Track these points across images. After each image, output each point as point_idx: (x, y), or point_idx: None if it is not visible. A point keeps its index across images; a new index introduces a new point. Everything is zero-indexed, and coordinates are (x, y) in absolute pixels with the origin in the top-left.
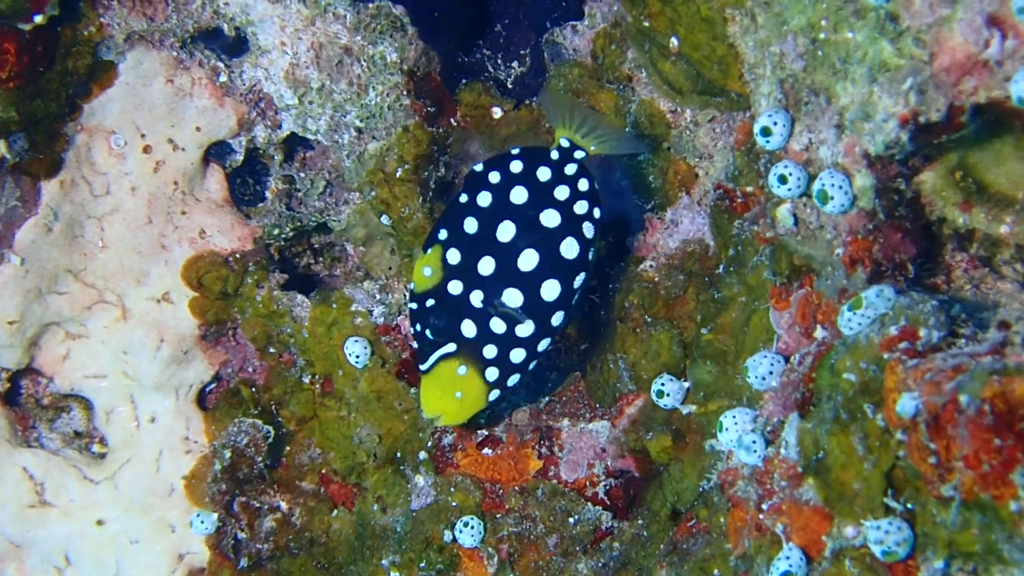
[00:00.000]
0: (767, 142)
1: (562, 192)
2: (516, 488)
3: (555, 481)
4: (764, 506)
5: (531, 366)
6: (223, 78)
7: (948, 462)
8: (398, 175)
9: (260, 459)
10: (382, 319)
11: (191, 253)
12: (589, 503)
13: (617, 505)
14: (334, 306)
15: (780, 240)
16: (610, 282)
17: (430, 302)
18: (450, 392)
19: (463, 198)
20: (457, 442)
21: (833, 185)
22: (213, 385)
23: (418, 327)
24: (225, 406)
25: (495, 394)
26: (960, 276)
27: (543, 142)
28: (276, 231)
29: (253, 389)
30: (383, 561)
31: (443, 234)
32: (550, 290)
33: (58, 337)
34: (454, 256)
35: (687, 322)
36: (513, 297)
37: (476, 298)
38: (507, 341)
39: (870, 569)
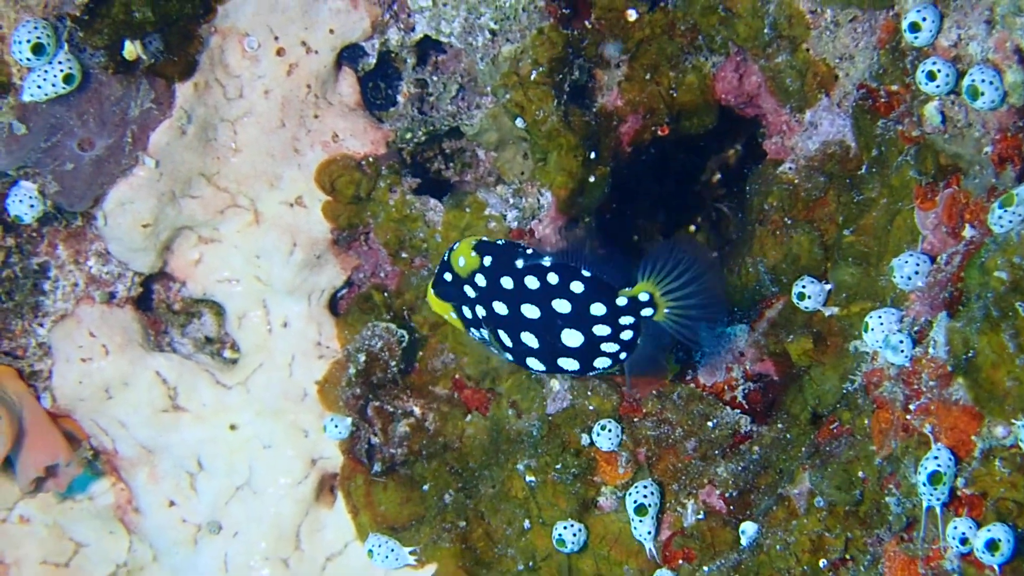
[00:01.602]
0: (915, 38)
1: (602, 331)
2: (653, 392)
3: (693, 385)
4: (911, 406)
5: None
6: None
7: None
8: (533, 77)
9: (394, 363)
10: (516, 223)
11: (324, 157)
12: (727, 407)
13: (756, 409)
14: (467, 210)
15: (927, 139)
16: (747, 185)
17: (447, 276)
18: (444, 310)
19: (519, 263)
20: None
21: (984, 80)
22: (345, 290)
23: (436, 275)
24: (357, 311)
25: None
26: None
27: (676, 48)
28: (408, 135)
29: (385, 294)
30: (518, 465)
31: (488, 260)
32: (533, 361)
33: (191, 241)
34: (480, 280)
35: (828, 224)
36: (505, 338)
37: (480, 311)
38: (486, 342)
39: (1021, 469)
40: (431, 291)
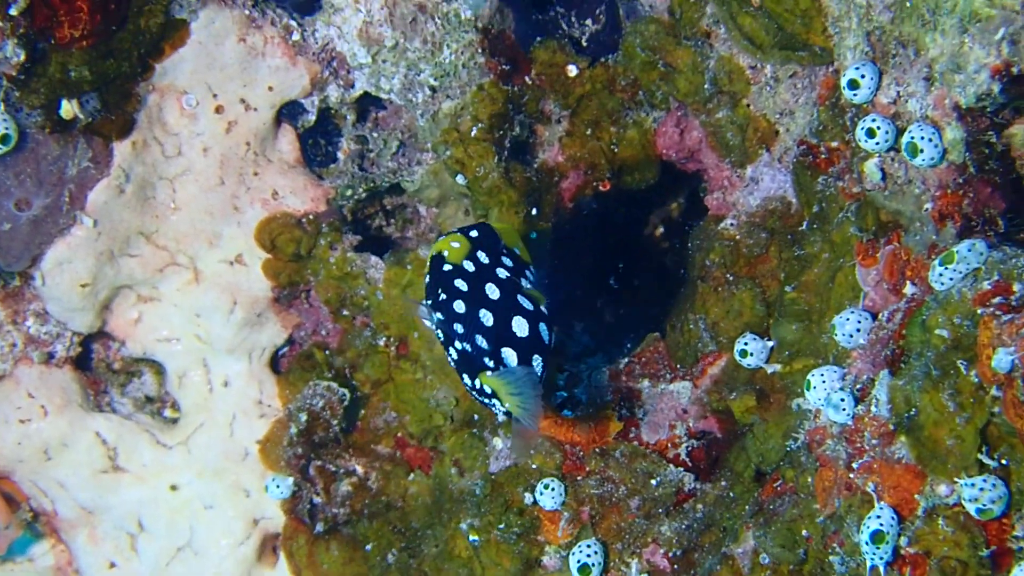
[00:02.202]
0: (854, 95)
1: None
2: (596, 450)
3: (636, 443)
4: (854, 465)
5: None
6: (296, 37)
7: None
8: (473, 134)
9: (336, 422)
10: None
11: (264, 214)
12: (671, 464)
13: (699, 466)
14: (409, 267)
15: (867, 195)
16: (689, 241)
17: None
18: None
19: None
20: None
21: (923, 138)
22: (286, 348)
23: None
24: (299, 369)
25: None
26: None
27: (617, 103)
28: (349, 192)
29: (327, 352)
30: (461, 524)
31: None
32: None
33: (130, 300)
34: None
35: (769, 280)
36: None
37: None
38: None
39: (964, 527)
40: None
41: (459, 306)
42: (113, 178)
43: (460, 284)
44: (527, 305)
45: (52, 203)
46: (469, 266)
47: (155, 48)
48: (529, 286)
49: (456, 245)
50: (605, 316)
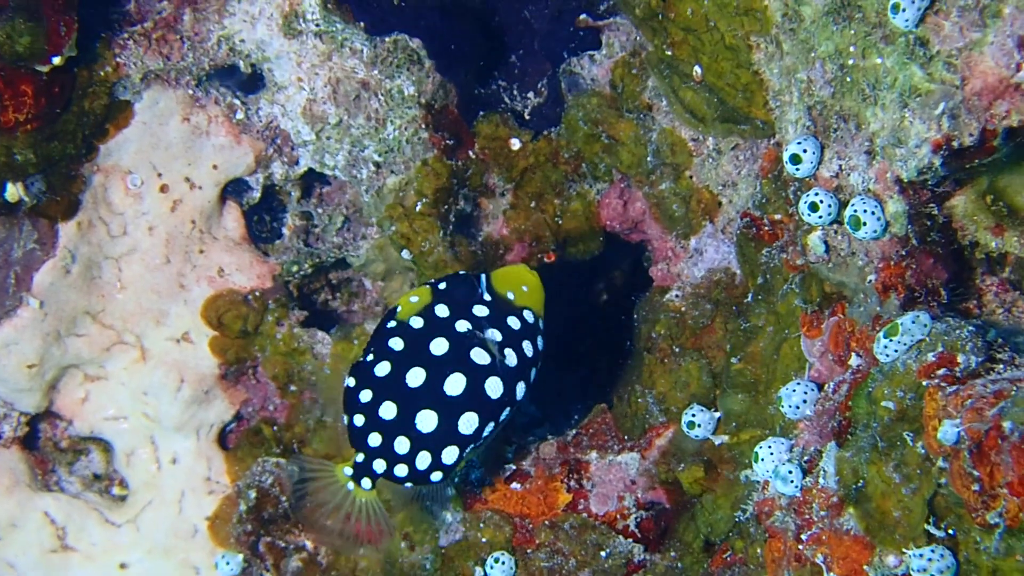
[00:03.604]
0: (796, 169)
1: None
2: (546, 522)
3: (585, 514)
4: (803, 536)
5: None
6: (239, 115)
7: (992, 489)
8: (418, 209)
9: (285, 498)
10: None
11: (210, 292)
12: (620, 536)
13: (649, 537)
14: (355, 342)
15: (811, 268)
16: (634, 312)
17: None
18: None
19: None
20: (484, 477)
21: (866, 211)
22: (234, 424)
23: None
24: (247, 445)
25: None
26: (991, 300)
27: (560, 176)
28: (295, 268)
29: (275, 428)
30: None
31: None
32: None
33: (77, 379)
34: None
35: (716, 351)
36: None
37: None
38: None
39: None
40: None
41: (381, 369)
42: (59, 259)
43: (395, 343)
44: (480, 360)
45: None
46: (417, 322)
47: (100, 129)
48: (499, 337)
49: (414, 300)
50: (551, 386)
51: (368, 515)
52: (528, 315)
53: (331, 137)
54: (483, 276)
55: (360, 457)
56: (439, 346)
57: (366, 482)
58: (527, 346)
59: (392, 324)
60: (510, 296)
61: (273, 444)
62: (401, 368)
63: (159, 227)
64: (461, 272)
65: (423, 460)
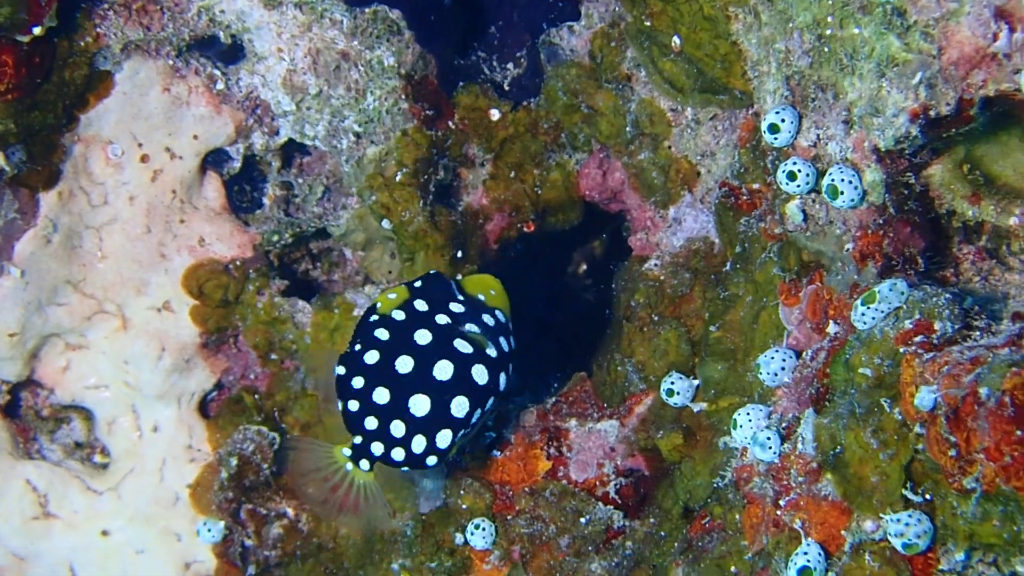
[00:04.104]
0: (775, 139)
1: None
2: (526, 489)
3: (565, 481)
4: (781, 502)
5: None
6: (220, 86)
7: (968, 455)
8: (398, 179)
9: (266, 466)
10: None
11: (191, 261)
12: (600, 503)
13: (628, 504)
14: (336, 311)
15: (789, 236)
16: (613, 281)
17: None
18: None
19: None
20: (465, 445)
21: (843, 180)
22: (215, 393)
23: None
24: (228, 414)
25: None
26: (968, 268)
27: (540, 146)
28: (275, 237)
29: (256, 396)
30: (392, 565)
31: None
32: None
33: (58, 348)
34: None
35: (694, 320)
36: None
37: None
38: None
39: (890, 562)
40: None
41: (371, 357)
42: (40, 228)
43: (380, 333)
44: (464, 349)
45: None
46: (399, 315)
47: (80, 100)
48: (477, 330)
49: (392, 296)
50: (531, 354)
51: (365, 496)
52: (499, 315)
53: (311, 107)
54: (453, 280)
55: (358, 439)
56: (423, 336)
57: (364, 463)
58: (503, 341)
59: (375, 318)
60: (480, 297)
61: (254, 412)
62: (390, 356)
63: (140, 197)
64: (434, 271)
65: (418, 444)
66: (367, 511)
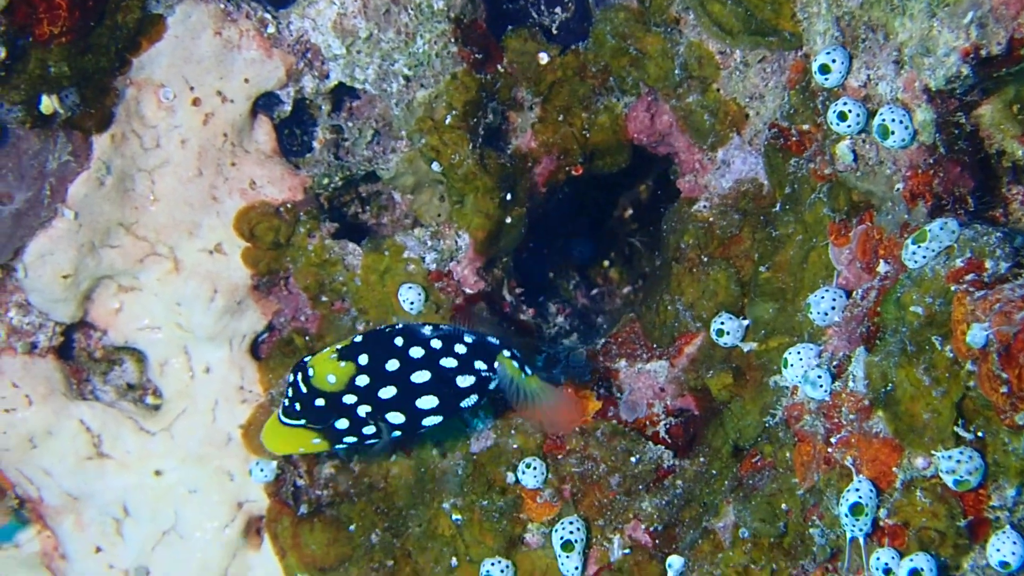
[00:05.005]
0: (825, 80)
1: (484, 371)
2: (576, 429)
3: (615, 421)
4: (832, 439)
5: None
6: (271, 29)
7: (1020, 391)
8: (447, 122)
9: None
10: (434, 265)
11: (242, 204)
12: (650, 442)
13: (678, 443)
14: (386, 253)
15: (838, 177)
16: (663, 223)
17: (320, 402)
18: (294, 445)
19: (398, 341)
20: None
21: (894, 120)
22: (266, 335)
23: (297, 407)
24: (279, 355)
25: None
26: (1017, 209)
27: (588, 89)
28: (326, 180)
29: (306, 338)
30: (444, 504)
31: (364, 359)
32: (430, 420)
33: (111, 290)
34: (363, 381)
35: (743, 261)
36: (396, 417)
37: (363, 410)
38: (368, 438)
39: (941, 498)
40: (277, 425)
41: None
42: (93, 171)
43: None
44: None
45: (33, 197)
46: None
47: (132, 43)
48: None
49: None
50: (578, 297)
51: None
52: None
53: (361, 51)
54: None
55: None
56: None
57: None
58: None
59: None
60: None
61: (305, 354)
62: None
63: (191, 140)
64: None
65: None
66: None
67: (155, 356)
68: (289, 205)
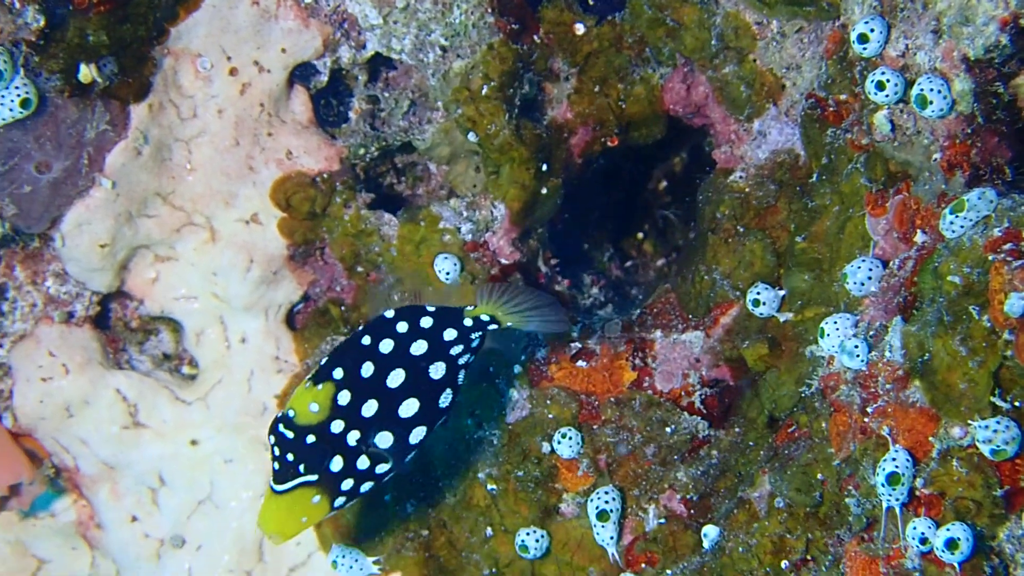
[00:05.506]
0: (864, 49)
1: (456, 350)
2: (612, 399)
3: (650, 392)
4: (869, 409)
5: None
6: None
7: None
8: (484, 92)
9: None
10: (470, 236)
11: (278, 174)
12: (685, 412)
13: (713, 414)
14: (422, 224)
15: (876, 147)
16: (698, 194)
17: (311, 438)
18: (297, 516)
19: (366, 340)
20: (551, 355)
21: (932, 90)
22: (302, 305)
23: (289, 458)
24: (314, 325)
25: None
26: None
27: (624, 60)
28: (362, 151)
29: (342, 308)
30: (479, 474)
31: (338, 373)
32: (417, 434)
33: (147, 260)
34: (344, 398)
35: (779, 231)
36: (385, 439)
37: (353, 437)
38: (365, 476)
39: (978, 468)
40: (272, 502)
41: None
42: (131, 140)
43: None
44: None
45: (71, 165)
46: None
47: (170, 12)
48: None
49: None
50: (612, 269)
51: None
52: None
53: (398, 21)
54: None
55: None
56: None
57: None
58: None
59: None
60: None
61: (340, 324)
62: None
63: (228, 110)
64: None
65: None
66: None
67: (191, 326)
68: (325, 175)
